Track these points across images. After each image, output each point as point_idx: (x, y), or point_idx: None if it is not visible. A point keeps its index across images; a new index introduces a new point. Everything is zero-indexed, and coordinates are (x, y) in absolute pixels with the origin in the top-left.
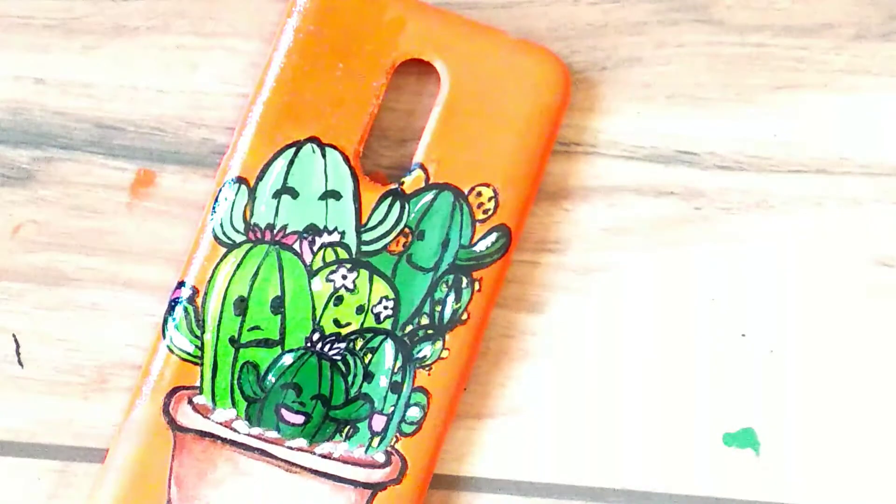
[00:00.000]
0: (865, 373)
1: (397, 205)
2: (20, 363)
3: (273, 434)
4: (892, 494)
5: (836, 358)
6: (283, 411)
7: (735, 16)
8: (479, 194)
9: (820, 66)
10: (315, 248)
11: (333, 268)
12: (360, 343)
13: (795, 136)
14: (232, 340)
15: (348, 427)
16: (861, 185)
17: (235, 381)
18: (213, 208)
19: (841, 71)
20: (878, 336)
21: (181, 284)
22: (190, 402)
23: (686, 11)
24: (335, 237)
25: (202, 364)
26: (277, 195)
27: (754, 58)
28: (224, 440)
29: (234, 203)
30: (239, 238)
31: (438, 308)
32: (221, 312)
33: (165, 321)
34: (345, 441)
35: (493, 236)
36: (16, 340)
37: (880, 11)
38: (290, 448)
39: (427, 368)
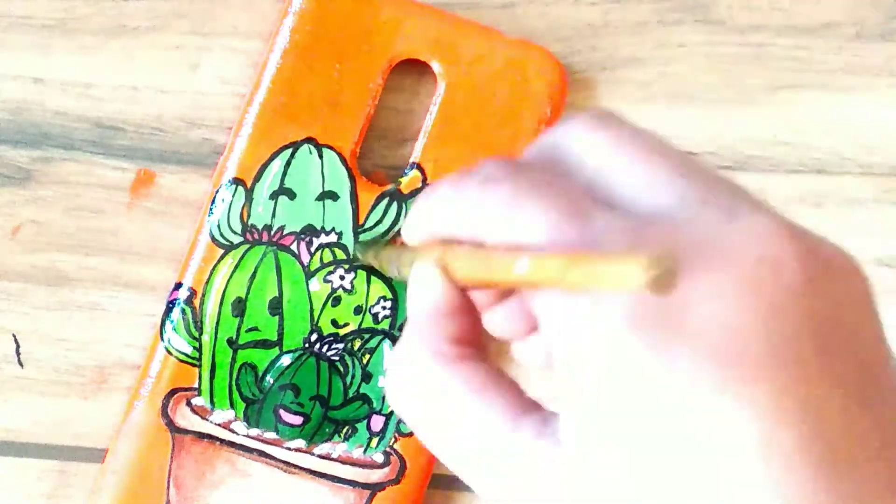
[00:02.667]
0: None
1: (394, 205)
2: (20, 363)
3: (272, 435)
4: None
5: None
6: (282, 412)
7: (735, 16)
8: None
9: (820, 66)
10: (312, 249)
11: (331, 268)
12: (358, 343)
13: (795, 136)
14: (230, 342)
15: (347, 427)
16: (861, 185)
17: (234, 383)
18: (210, 210)
19: (841, 71)
20: None
21: (179, 286)
22: (188, 403)
23: (686, 11)
24: (332, 238)
25: (200, 365)
26: (274, 196)
27: (754, 58)
28: (223, 441)
29: (231, 204)
30: (236, 239)
31: None
32: (219, 314)
33: (163, 323)
34: (343, 441)
35: None
36: (16, 340)
37: (880, 11)
38: (289, 449)
39: None
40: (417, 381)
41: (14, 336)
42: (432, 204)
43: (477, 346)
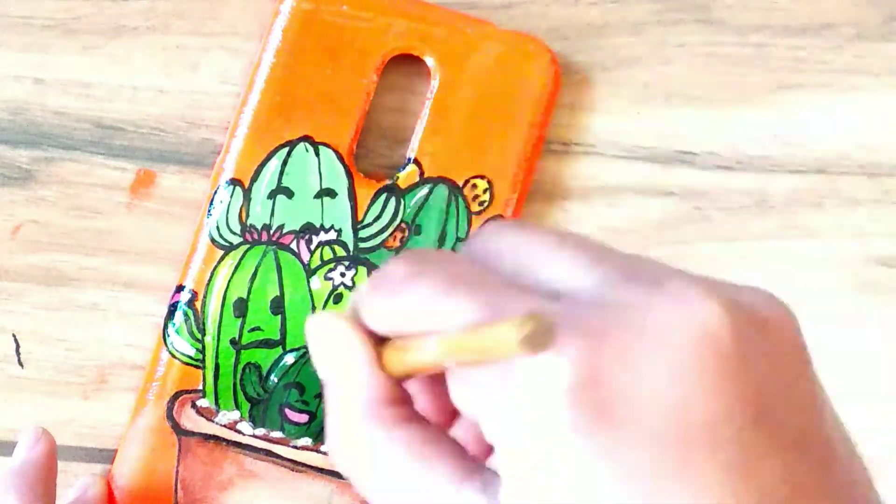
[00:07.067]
0: (865, 372)
1: (392, 200)
2: (20, 363)
3: (278, 434)
4: (892, 494)
5: (836, 358)
6: (287, 411)
7: (735, 16)
8: (475, 186)
9: (820, 66)
10: (312, 247)
11: (331, 266)
12: None
13: (795, 136)
14: (233, 342)
15: None
16: (861, 185)
17: (238, 383)
18: (209, 211)
19: (841, 71)
20: (878, 336)
21: (180, 288)
22: (193, 405)
23: (686, 11)
24: (332, 235)
25: (204, 367)
26: (272, 195)
27: (754, 58)
28: (229, 442)
29: (229, 205)
30: (236, 240)
31: None
32: (221, 315)
33: (166, 326)
34: None
35: None
36: (16, 340)
37: (880, 11)
38: (296, 447)
39: None
40: (359, 447)
41: (14, 336)
42: (360, 301)
43: (410, 401)
